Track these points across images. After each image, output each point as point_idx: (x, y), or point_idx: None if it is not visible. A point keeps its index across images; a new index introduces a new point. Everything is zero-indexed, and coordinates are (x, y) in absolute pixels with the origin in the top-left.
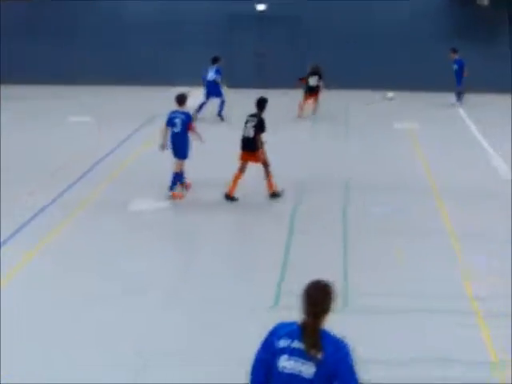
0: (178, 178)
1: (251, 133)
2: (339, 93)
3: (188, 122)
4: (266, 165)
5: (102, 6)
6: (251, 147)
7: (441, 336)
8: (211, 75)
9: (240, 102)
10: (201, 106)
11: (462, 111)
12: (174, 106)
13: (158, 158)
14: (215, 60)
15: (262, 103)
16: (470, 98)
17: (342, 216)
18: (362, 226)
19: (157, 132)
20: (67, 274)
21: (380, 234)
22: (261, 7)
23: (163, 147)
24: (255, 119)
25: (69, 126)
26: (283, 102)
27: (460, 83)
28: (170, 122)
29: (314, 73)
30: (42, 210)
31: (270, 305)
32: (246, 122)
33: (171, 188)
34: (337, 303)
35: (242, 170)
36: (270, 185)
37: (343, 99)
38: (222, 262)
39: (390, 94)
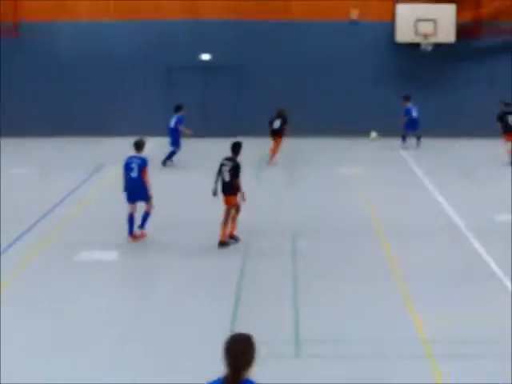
0: (147, 218)
1: (227, 176)
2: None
3: (143, 166)
4: (237, 210)
5: (40, 59)
6: (229, 190)
7: (397, 380)
8: (173, 123)
9: (184, 150)
10: (170, 155)
11: (406, 154)
12: (115, 155)
13: (106, 206)
14: (178, 108)
15: (237, 147)
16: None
17: (291, 263)
18: (311, 273)
19: (103, 181)
20: (17, 323)
21: (329, 280)
22: (205, 57)
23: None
24: (230, 163)
25: (11, 178)
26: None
27: (409, 127)
28: (127, 167)
29: (279, 116)
30: None
31: None
32: (222, 166)
33: (142, 227)
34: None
35: (227, 213)
36: (227, 232)
37: (287, 145)
38: (171, 310)
39: (374, 135)
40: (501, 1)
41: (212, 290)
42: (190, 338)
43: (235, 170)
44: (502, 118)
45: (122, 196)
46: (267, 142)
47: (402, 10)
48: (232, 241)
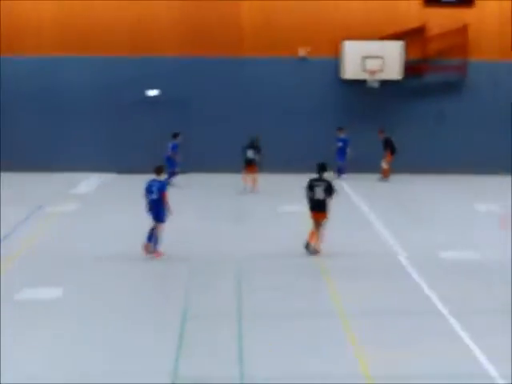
0: (153, 238)
1: (322, 195)
2: (226, 176)
3: (163, 190)
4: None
5: None
6: (322, 208)
7: None
8: (168, 149)
9: (132, 186)
10: (169, 176)
11: (351, 191)
12: (60, 192)
13: (50, 245)
14: (175, 136)
15: (324, 167)
16: (357, 176)
17: (235, 300)
18: (255, 310)
19: (44, 220)
20: None
21: (273, 317)
22: (153, 92)
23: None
24: (323, 183)
25: None
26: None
27: (343, 159)
28: (148, 190)
29: (251, 146)
30: None
31: None
32: (314, 186)
33: (148, 241)
34: None
35: (316, 226)
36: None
37: (231, 180)
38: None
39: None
40: (447, 39)
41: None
42: (132, 375)
43: (331, 188)
44: (388, 141)
45: (65, 232)
46: (215, 177)
47: (349, 46)
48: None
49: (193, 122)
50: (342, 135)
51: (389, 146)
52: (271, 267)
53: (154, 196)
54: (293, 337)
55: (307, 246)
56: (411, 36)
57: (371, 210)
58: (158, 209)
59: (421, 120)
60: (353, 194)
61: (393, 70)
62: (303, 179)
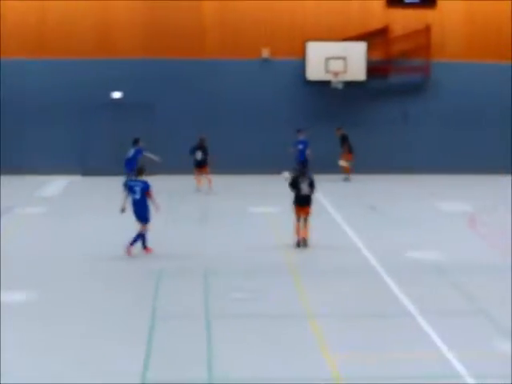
0: (139, 239)
1: (307, 190)
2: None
3: (146, 189)
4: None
5: None
6: (308, 203)
7: None
8: (128, 155)
9: (97, 188)
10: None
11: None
12: (26, 194)
13: (17, 248)
14: (135, 142)
15: (306, 164)
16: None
17: (203, 302)
18: (224, 312)
19: (11, 222)
20: None
21: (241, 318)
22: (116, 95)
23: (123, 210)
24: (307, 179)
25: None
26: None
27: (301, 159)
28: (131, 190)
29: (199, 147)
30: None
31: None
32: (299, 183)
33: (131, 244)
34: None
35: (301, 220)
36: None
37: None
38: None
39: (286, 175)
40: (410, 40)
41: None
42: (100, 378)
43: (313, 184)
44: (345, 138)
45: (32, 235)
46: (179, 179)
47: (312, 48)
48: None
49: (157, 124)
50: (302, 137)
51: (346, 143)
52: (239, 268)
53: (137, 196)
54: (261, 338)
55: (298, 243)
56: (374, 37)
57: (337, 210)
58: (141, 209)
59: (385, 120)
60: (318, 195)
61: (356, 71)
62: (268, 180)
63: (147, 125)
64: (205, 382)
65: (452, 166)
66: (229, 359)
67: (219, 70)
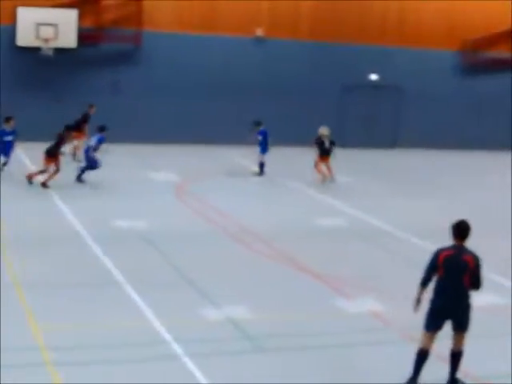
0: None
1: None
2: None
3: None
4: None
5: None
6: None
7: None
8: (91, 142)
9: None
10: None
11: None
12: None
13: None
14: (101, 129)
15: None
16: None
17: None
18: None
19: None
20: None
21: None
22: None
23: None
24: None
25: None
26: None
27: (265, 151)
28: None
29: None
30: None
31: None
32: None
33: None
34: None
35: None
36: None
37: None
38: None
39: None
40: (121, 9)
41: None
42: None
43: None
44: (84, 117)
45: None
46: None
47: (22, 13)
48: None
49: None
50: (261, 128)
51: (84, 120)
52: None
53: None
54: None
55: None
56: (86, 4)
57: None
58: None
59: (97, 89)
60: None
61: (67, 38)
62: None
63: None
64: None
65: (163, 136)
66: None
67: None
